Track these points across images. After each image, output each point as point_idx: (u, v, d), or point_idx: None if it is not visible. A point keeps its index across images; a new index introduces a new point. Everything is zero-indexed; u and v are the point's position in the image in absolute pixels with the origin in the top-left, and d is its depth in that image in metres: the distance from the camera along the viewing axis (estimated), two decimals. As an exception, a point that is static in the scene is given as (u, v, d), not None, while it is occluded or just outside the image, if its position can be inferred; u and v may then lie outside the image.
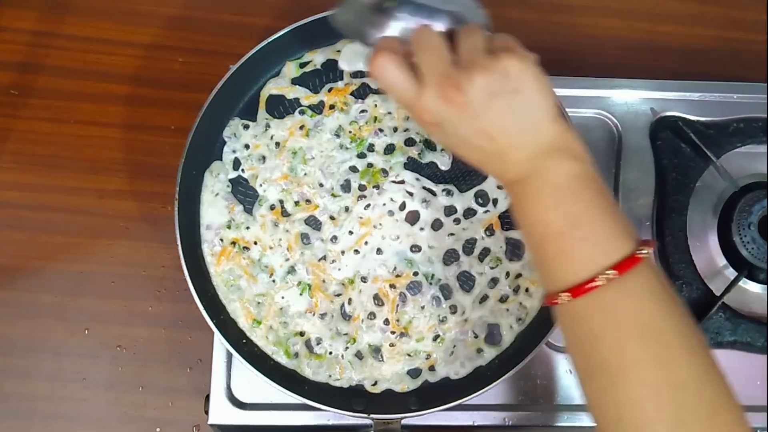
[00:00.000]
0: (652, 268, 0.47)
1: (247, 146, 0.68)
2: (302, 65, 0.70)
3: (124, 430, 0.70)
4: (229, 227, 0.66)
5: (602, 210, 0.47)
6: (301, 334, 0.65)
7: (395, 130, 0.69)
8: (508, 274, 0.66)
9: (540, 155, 0.48)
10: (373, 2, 0.53)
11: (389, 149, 0.68)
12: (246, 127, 0.68)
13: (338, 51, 0.69)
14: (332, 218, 0.67)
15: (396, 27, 0.52)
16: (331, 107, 0.69)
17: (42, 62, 0.79)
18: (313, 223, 0.67)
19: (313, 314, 0.65)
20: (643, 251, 0.46)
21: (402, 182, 0.67)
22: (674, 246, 0.71)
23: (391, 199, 0.67)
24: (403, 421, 0.62)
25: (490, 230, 0.67)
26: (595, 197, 0.48)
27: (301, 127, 0.68)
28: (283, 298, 0.65)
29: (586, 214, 0.47)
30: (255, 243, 0.66)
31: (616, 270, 0.45)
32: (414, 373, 0.65)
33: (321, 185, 0.67)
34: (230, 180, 0.68)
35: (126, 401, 0.70)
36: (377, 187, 0.67)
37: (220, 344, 0.63)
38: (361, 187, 0.67)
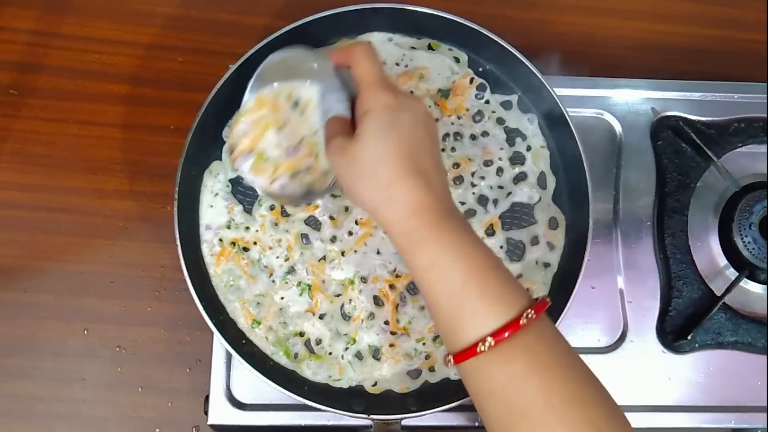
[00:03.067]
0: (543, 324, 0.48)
1: (246, 146, 0.68)
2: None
3: (124, 431, 0.70)
4: (228, 227, 0.66)
5: (480, 280, 0.48)
6: (301, 334, 0.65)
7: (395, 130, 0.69)
8: (508, 274, 0.66)
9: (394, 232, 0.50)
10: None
11: (389, 149, 0.68)
12: (246, 127, 0.68)
13: None
14: (332, 218, 0.67)
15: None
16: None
17: (41, 62, 0.79)
18: (313, 223, 0.67)
19: (313, 314, 0.65)
20: (529, 316, 0.47)
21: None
22: (675, 246, 0.70)
23: (391, 199, 0.67)
24: (403, 422, 0.62)
25: (490, 230, 0.67)
26: (472, 269, 0.48)
27: (301, 127, 0.68)
28: (282, 298, 0.65)
29: (463, 288, 0.48)
30: (255, 243, 0.66)
31: (496, 336, 0.46)
32: (414, 373, 0.65)
33: (321, 185, 0.67)
34: (230, 180, 0.68)
35: (125, 401, 0.70)
36: (377, 187, 0.67)
37: (220, 344, 0.63)
38: (361, 187, 0.67)
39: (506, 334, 0.46)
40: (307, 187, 0.58)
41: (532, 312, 0.47)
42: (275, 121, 0.57)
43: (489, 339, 0.46)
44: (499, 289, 0.48)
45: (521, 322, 0.46)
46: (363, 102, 0.51)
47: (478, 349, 0.46)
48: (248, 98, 0.58)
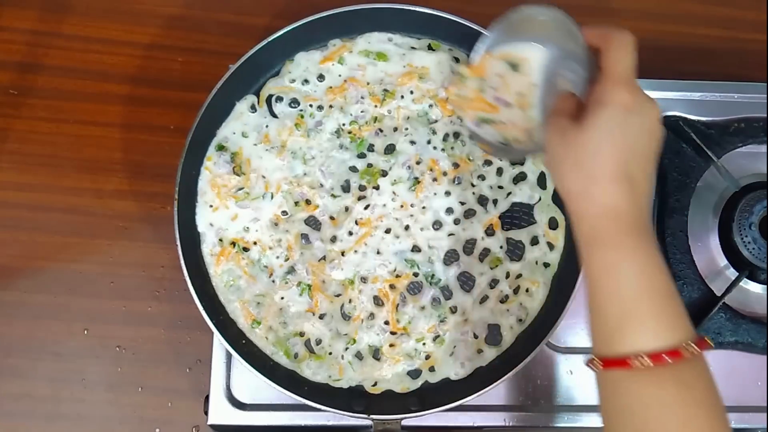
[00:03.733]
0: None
1: (246, 146, 0.68)
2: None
3: (124, 431, 0.70)
4: (228, 227, 0.66)
5: (656, 300, 0.47)
6: (301, 334, 0.65)
7: (395, 129, 0.69)
8: (508, 274, 0.66)
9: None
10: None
11: (389, 149, 0.68)
12: (246, 127, 0.68)
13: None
14: (332, 218, 0.67)
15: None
16: (331, 107, 0.69)
17: (41, 62, 0.79)
18: (313, 223, 0.67)
19: (313, 314, 0.65)
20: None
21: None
22: (675, 246, 0.70)
23: (392, 200, 0.67)
24: (403, 422, 0.62)
25: (490, 230, 0.67)
26: (658, 279, 0.48)
27: (301, 127, 0.68)
28: (282, 298, 0.65)
29: (636, 300, 0.47)
30: (255, 243, 0.66)
31: (655, 358, 0.45)
32: (414, 373, 0.65)
33: (321, 185, 0.67)
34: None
35: (125, 401, 0.70)
36: (377, 187, 0.67)
37: (220, 344, 0.63)
38: (361, 187, 0.67)
39: (666, 359, 0.45)
40: (503, 138, 0.59)
41: (696, 348, 0.46)
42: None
43: (647, 358, 0.45)
44: (671, 315, 0.47)
45: (683, 353, 0.46)
46: (602, 92, 0.49)
47: (632, 363, 0.45)
48: (478, 49, 0.60)
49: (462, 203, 0.67)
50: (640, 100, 0.49)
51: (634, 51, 0.50)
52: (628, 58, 0.50)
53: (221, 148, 0.67)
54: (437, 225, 0.67)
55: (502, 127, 0.60)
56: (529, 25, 0.58)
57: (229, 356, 0.66)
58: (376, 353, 0.65)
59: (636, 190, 0.49)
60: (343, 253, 0.66)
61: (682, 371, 0.46)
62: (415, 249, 0.66)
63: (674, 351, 0.45)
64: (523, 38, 0.58)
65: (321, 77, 0.70)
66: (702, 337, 0.47)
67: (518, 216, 0.68)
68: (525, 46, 0.58)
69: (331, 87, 0.69)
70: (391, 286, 0.66)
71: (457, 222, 0.67)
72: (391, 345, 0.65)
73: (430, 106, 0.69)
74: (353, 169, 0.68)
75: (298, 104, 0.69)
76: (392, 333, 0.65)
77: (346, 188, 0.67)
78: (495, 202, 0.68)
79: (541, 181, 0.69)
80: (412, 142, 0.68)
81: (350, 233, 0.66)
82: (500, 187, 0.68)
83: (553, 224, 0.68)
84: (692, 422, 0.45)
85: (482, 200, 0.68)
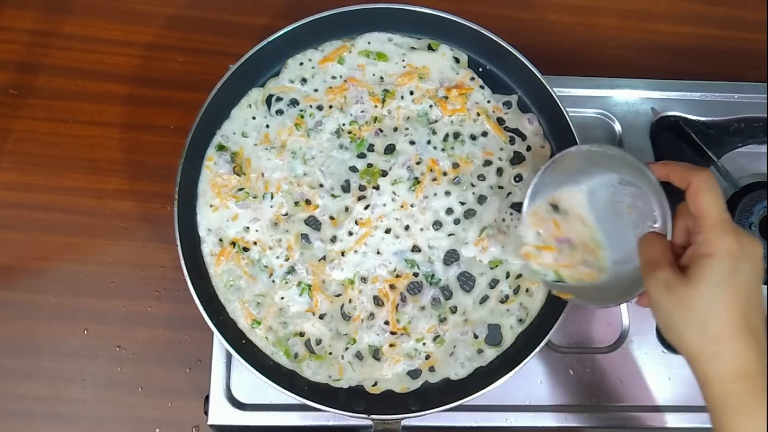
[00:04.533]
0: None
1: (246, 146, 0.68)
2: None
3: (124, 431, 0.70)
4: (228, 227, 0.66)
5: None
6: (301, 334, 0.65)
7: (395, 129, 0.69)
8: (508, 274, 0.66)
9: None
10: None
11: (389, 149, 0.68)
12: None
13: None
14: (332, 218, 0.67)
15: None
16: (331, 107, 0.69)
17: (42, 62, 0.79)
18: (313, 223, 0.67)
19: (313, 314, 0.65)
20: None
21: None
22: (675, 246, 0.70)
23: (392, 200, 0.67)
24: (404, 422, 0.62)
25: (490, 230, 0.67)
26: None
27: (301, 127, 0.68)
28: (282, 298, 0.65)
29: None
30: (255, 243, 0.66)
31: None
32: (414, 373, 0.65)
33: (321, 185, 0.67)
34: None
35: (125, 401, 0.70)
36: (377, 187, 0.67)
37: (220, 344, 0.63)
38: (361, 187, 0.67)
39: None
40: (577, 281, 0.61)
41: None
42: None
43: None
44: None
45: None
46: (705, 242, 0.48)
47: None
48: (527, 205, 0.62)
49: (462, 203, 0.67)
50: (745, 244, 0.48)
51: (718, 188, 0.49)
52: (718, 200, 0.49)
53: (221, 148, 0.67)
54: (437, 225, 0.67)
55: (574, 270, 0.61)
56: (571, 162, 0.60)
57: (229, 356, 0.66)
58: (376, 353, 0.65)
59: (760, 341, 0.48)
60: (343, 253, 0.66)
61: None
62: (415, 249, 0.66)
63: None
64: (560, 178, 0.61)
65: (321, 77, 0.70)
66: None
67: (518, 216, 0.68)
68: (570, 190, 0.61)
69: (331, 87, 0.69)
70: (391, 286, 0.66)
71: (457, 222, 0.67)
72: (391, 345, 0.65)
73: (430, 106, 0.69)
74: (353, 169, 0.68)
75: (298, 104, 0.69)
76: (392, 333, 0.65)
77: (346, 188, 0.67)
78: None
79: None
80: (412, 142, 0.68)
81: (350, 233, 0.66)
82: (500, 187, 0.68)
83: (553, 224, 0.68)
84: None
85: (482, 200, 0.68)
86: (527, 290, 0.66)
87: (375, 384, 0.64)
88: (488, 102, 0.70)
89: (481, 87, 0.70)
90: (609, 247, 0.59)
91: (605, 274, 0.59)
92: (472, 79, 0.70)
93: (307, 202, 0.67)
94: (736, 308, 0.47)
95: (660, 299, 0.50)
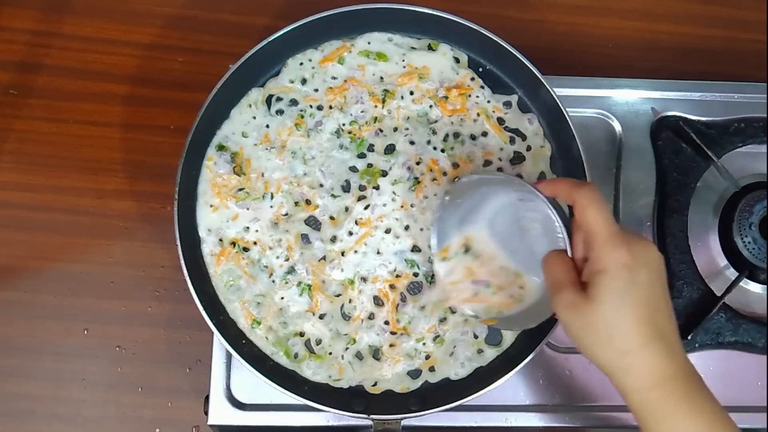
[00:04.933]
0: None
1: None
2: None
3: (124, 431, 0.70)
4: (228, 227, 0.66)
5: None
6: (301, 334, 0.65)
7: (395, 129, 0.69)
8: (508, 274, 0.66)
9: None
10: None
11: (389, 149, 0.68)
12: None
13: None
14: (332, 218, 0.67)
15: None
16: (331, 107, 0.69)
17: (41, 62, 0.79)
18: (313, 223, 0.67)
19: (313, 314, 0.65)
20: None
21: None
22: (675, 246, 0.70)
23: (392, 200, 0.67)
24: (404, 422, 0.62)
25: (490, 230, 0.67)
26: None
27: (301, 127, 0.68)
28: (282, 298, 0.65)
29: None
30: (255, 243, 0.66)
31: None
32: (414, 373, 0.65)
33: (321, 185, 0.67)
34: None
35: (125, 401, 0.70)
36: (377, 187, 0.67)
37: (220, 345, 0.63)
38: (361, 187, 0.67)
39: None
40: (497, 313, 0.60)
41: None
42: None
43: None
44: None
45: None
46: (597, 259, 0.48)
47: None
48: (435, 246, 0.62)
49: (462, 203, 0.67)
50: (638, 252, 0.48)
51: (603, 202, 0.49)
52: (605, 214, 0.49)
53: (221, 148, 0.67)
54: (437, 225, 0.67)
55: (493, 302, 0.60)
56: (467, 191, 0.60)
57: (229, 356, 0.66)
58: (376, 353, 0.65)
59: (671, 344, 0.48)
60: (343, 253, 0.66)
61: None
62: (415, 249, 0.66)
63: None
64: (463, 208, 0.60)
65: (321, 77, 0.70)
66: None
67: (518, 216, 0.68)
68: (467, 226, 0.60)
69: (331, 87, 0.69)
70: (391, 286, 0.66)
71: (457, 222, 0.67)
72: (391, 345, 0.65)
73: (430, 106, 0.69)
74: (353, 169, 0.68)
75: (298, 104, 0.69)
76: (392, 333, 0.65)
77: (346, 188, 0.67)
78: (495, 202, 0.68)
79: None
80: (412, 143, 0.68)
81: (350, 233, 0.66)
82: (500, 187, 0.68)
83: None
84: None
85: (482, 200, 0.68)
86: (527, 290, 0.66)
87: (375, 384, 0.64)
88: (488, 102, 0.70)
89: (481, 87, 0.70)
90: (528, 269, 0.58)
91: (534, 293, 0.58)
92: (472, 79, 0.70)
93: (307, 202, 0.67)
94: (641, 318, 0.47)
95: (567, 320, 0.50)
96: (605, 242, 0.48)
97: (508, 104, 0.70)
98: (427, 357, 0.65)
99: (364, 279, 0.66)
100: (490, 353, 0.65)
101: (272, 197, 0.67)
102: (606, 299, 0.47)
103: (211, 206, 0.66)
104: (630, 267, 0.48)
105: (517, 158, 0.69)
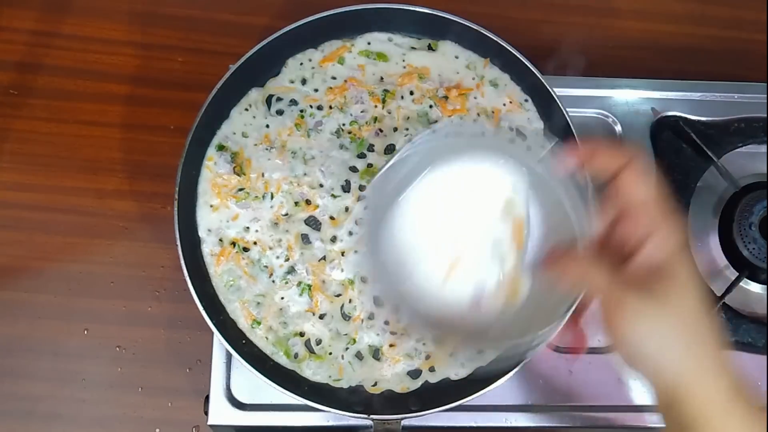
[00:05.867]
0: None
1: (246, 146, 0.68)
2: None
3: (124, 431, 0.70)
4: (228, 227, 0.66)
5: None
6: (301, 334, 0.65)
7: (395, 129, 0.69)
8: (508, 274, 0.66)
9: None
10: None
11: (389, 149, 0.68)
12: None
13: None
14: (332, 218, 0.67)
15: None
16: (331, 107, 0.69)
17: (41, 62, 0.79)
18: (313, 223, 0.67)
19: (313, 314, 0.65)
20: None
21: (402, 182, 0.67)
22: (675, 246, 0.70)
23: (391, 199, 0.67)
24: (404, 422, 0.62)
25: (490, 230, 0.67)
26: None
27: (301, 127, 0.68)
28: (282, 298, 0.65)
29: None
30: (255, 243, 0.66)
31: None
32: (414, 373, 0.65)
33: (321, 185, 0.67)
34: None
35: (125, 401, 0.70)
36: (377, 187, 0.67)
37: (220, 344, 0.63)
38: (361, 188, 0.67)
39: None
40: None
41: None
42: None
43: None
44: None
45: None
46: (667, 262, 0.46)
47: None
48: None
49: (462, 203, 0.67)
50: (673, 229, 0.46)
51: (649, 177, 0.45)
52: (655, 194, 0.46)
53: (222, 148, 0.67)
54: (437, 225, 0.67)
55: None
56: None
57: (229, 356, 0.66)
58: (376, 353, 0.65)
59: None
60: (343, 253, 0.66)
61: None
62: (415, 249, 0.66)
63: None
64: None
65: (321, 77, 0.70)
66: None
67: (518, 216, 0.68)
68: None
69: (331, 87, 0.69)
70: (391, 286, 0.66)
71: (457, 222, 0.67)
72: (391, 345, 0.65)
73: (430, 106, 0.69)
74: (353, 169, 0.68)
75: (298, 104, 0.69)
76: (392, 333, 0.65)
77: (346, 188, 0.67)
78: (495, 202, 0.68)
79: (541, 181, 0.69)
80: (412, 142, 0.68)
81: (350, 233, 0.66)
82: (500, 187, 0.68)
83: (553, 224, 0.68)
84: None
85: (482, 200, 0.68)
86: (527, 290, 0.66)
87: (375, 384, 0.64)
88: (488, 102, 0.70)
89: (481, 87, 0.70)
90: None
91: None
92: (473, 78, 0.70)
93: (307, 202, 0.67)
94: (710, 322, 0.46)
95: (628, 329, 0.45)
96: (668, 231, 0.46)
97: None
98: (427, 357, 0.65)
99: (364, 279, 0.66)
100: (491, 353, 0.65)
101: (272, 197, 0.67)
102: (684, 295, 0.45)
103: (211, 206, 0.66)
104: (693, 277, 0.46)
105: (517, 158, 0.69)
